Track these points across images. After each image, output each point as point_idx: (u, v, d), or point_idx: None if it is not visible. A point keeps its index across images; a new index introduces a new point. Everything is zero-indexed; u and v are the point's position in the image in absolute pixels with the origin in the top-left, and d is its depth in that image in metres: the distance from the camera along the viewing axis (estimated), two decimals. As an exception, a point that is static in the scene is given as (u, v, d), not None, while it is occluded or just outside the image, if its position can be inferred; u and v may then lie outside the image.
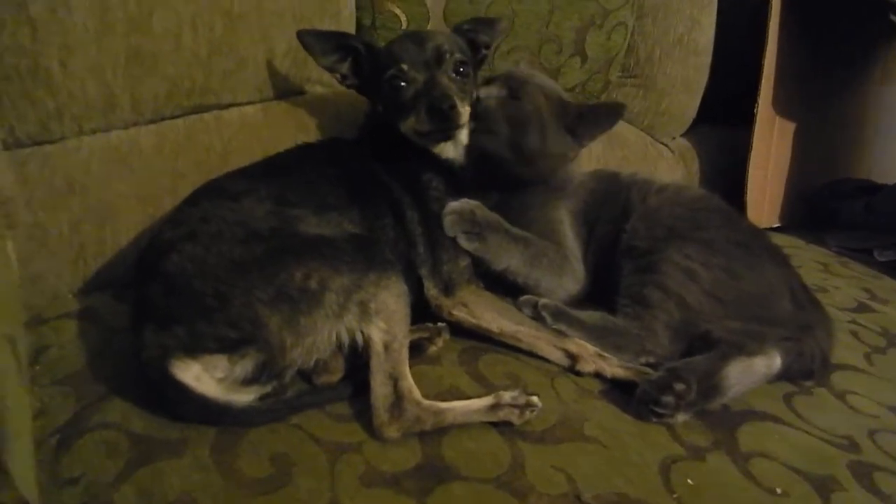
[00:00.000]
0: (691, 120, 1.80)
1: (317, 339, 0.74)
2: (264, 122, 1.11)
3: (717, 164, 1.86)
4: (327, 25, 1.15)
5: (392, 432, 0.73)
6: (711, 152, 1.87)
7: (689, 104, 1.76)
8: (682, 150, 1.82)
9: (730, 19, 1.75)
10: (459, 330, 0.96)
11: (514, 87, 1.08)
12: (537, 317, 0.96)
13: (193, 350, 0.70)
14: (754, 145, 1.70)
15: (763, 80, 1.68)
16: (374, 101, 1.04)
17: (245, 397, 0.73)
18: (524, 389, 0.81)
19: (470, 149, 1.04)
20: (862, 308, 1.32)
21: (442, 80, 0.96)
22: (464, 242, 0.98)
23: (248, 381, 0.72)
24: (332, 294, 0.75)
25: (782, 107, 1.77)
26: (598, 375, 0.91)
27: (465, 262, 0.98)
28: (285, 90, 1.15)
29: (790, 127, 1.84)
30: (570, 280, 1.06)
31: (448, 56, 0.98)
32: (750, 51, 1.70)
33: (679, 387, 0.84)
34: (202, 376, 0.70)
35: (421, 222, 0.98)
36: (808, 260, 1.61)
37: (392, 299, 0.79)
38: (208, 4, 0.99)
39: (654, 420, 0.84)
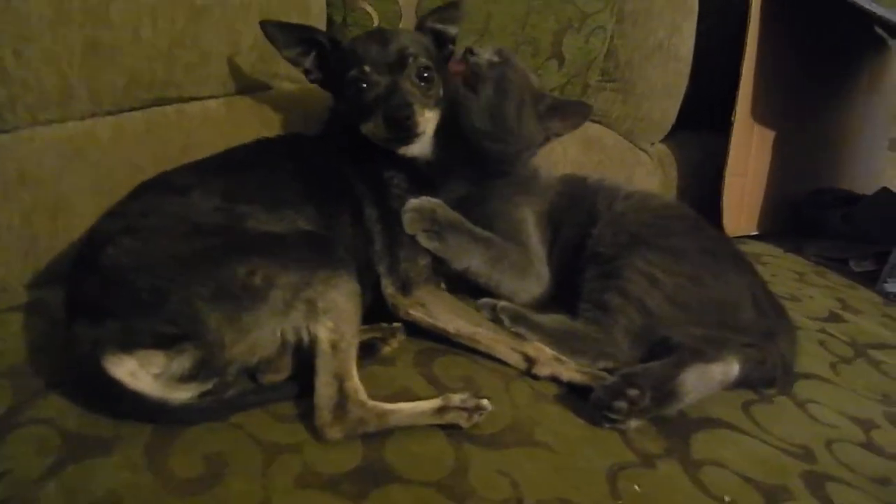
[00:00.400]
0: (671, 125, 1.79)
1: (260, 337, 0.73)
2: (227, 117, 1.10)
3: (696, 170, 1.85)
4: (295, 21, 1.13)
5: (334, 433, 0.72)
6: (691, 158, 1.86)
7: (668, 110, 1.75)
8: (661, 155, 1.82)
9: (712, 24, 1.75)
10: (418, 331, 0.94)
11: (505, 58, 1.08)
12: (496, 319, 0.95)
13: (128, 345, 0.68)
14: (731, 152, 1.69)
15: (741, 87, 1.67)
16: (337, 98, 1.03)
17: (183, 394, 0.71)
18: (475, 392, 0.80)
19: (446, 112, 1.03)
20: (833, 318, 1.32)
21: (403, 85, 0.95)
22: (423, 241, 0.97)
23: (186, 378, 0.70)
24: (277, 291, 0.73)
25: (762, 114, 1.77)
26: (554, 379, 0.90)
27: (424, 260, 0.97)
28: (251, 85, 1.14)
29: (770, 134, 1.84)
30: (533, 282, 1.05)
31: (412, 60, 0.96)
32: (733, 57, 1.70)
33: (632, 392, 0.83)
34: (137, 372, 0.68)
35: (380, 219, 0.96)
36: (784, 269, 1.61)
37: (341, 298, 0.77)
38: (170, -5, 0.98)
39: (607, 425, 0.83)
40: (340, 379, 0.75)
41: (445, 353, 0.93)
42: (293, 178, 0.92)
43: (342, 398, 0.74)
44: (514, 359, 0.92)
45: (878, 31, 2.00)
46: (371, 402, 0.75)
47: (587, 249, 1.06)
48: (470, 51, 1.07)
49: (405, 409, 0.76)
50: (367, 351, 0.88)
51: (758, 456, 0.84)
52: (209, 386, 0.74)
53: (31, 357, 0.80)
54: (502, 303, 0.97)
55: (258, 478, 0.65)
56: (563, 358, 0.91)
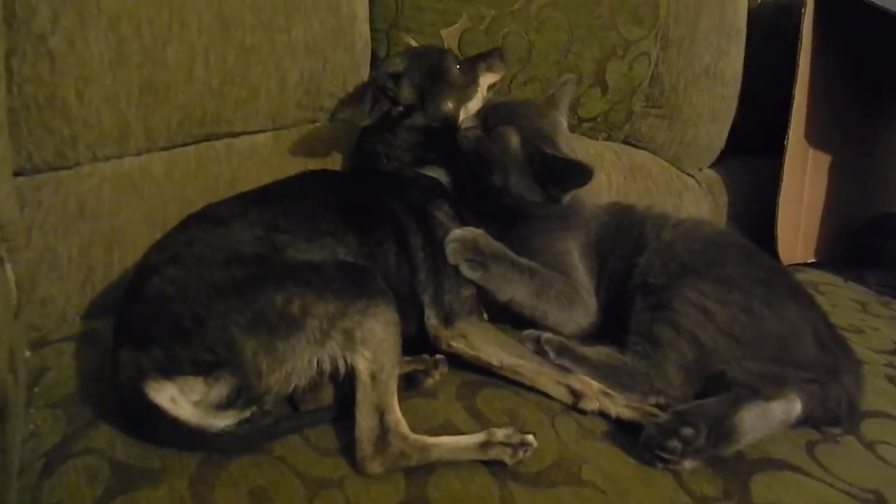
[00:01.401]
0: (719, 151, 1.75)
1: (296, 366, 0.73)
2: (274, 151, 1.12)
3: (748, 196, 1.80)
4: (342, 56, 1.17)
5: (375, 467, 0.71)
6: (742, 184, 1.81)
7: (716, 135, 1.71)
8: (710, 181, 1.77)
9: (761, 46, 1.71)
10: (462, 363, 0.93)
11: (490, 124, 1.05)
12: (540, 351, 0.93)
13: (169, 372, 0.70)
14: (785, 178, 1.63)
15: (794, 111, 1.62)
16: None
17: (222, 422, 0.71)
18: (519, 427, 0.77)
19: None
20: None
21: None
22: (466, 271, 0.96)
23: (224, 406, 0.71)
24: (314, 320, 0.73)
25: (816, 138, 1.71)
26: (601, 414, 0.87)
27: (468, 292, 0.96)
28: (297, 119, 1.17)
29: (825, 159, 1.77)
30: (580, 313, 1.03)
31: None
32: (783, 79, 1.66)
33: (686, 431, 0.79)
34: (177, 398, 0.69)
35: (424, 248, 0.96)
36: (845, 298, 1.53)
37: (379, 328, 0.77)
38: (221, 37, 1.02)
39: (660, 466, 0.79)
40: (381, 411, 0.74)
41: (489, 385, 0.91)
42: (333, 208, 0.93)
43: (383, 431, 0.73)
44: (559, 392, 0.90)
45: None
46: (413, 436, 0.74)
47: (635, 279, 1.03)
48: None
49: (448, 442, 0.75)
50: (410, 383, 0.87)
51: (824, 501, 0.79)
52: (247, 414, 0.74)
53: (84, 387, 0.82)
54: (546, 334, 0.95)
55: (302, 513, 0.64)
56: (612, 392, 0.88)
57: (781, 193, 1.64)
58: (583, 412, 0.87)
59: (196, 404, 0.70)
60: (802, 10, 1.59)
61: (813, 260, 1.77)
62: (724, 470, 0.81)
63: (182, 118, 1.03)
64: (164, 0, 0.96)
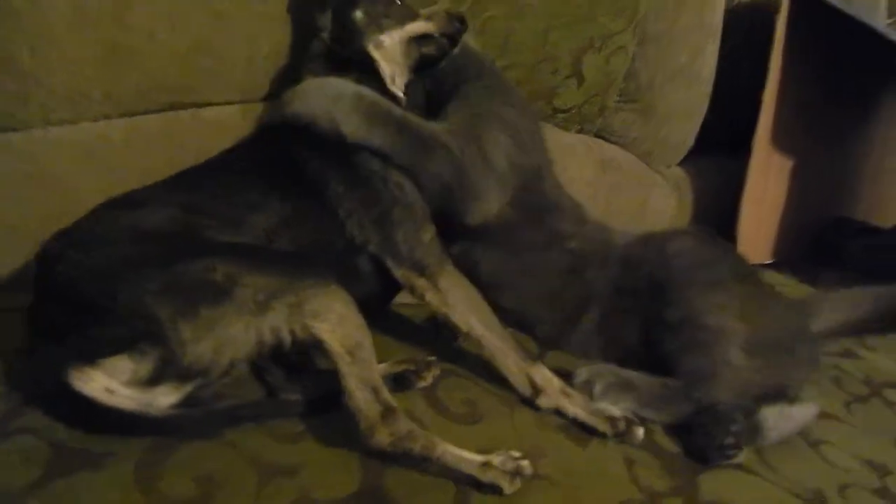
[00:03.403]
0: (689, 148, 1.77)
1: (227, 335, 0.69)
2: (243, 124, 1.08)
3: (713, 194, 1.83)
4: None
5: (383, 437, 0.69)
6: (707, 183, 1.84)
7: (688, 133, 1.73)
8: (678, 179, 1.79)
9: (735, 47, 1.73)
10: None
11: None
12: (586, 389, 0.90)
13: (90, 356, 0.66)
14: (749, 178, 1.67)
15: (762, 113, 1.65)
16: None
17: (163, 400, 0.69)
18: (511, 454, 0.74)
19: None
20: (848, 354, 1.29)
21: None
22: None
23: (154, 381, 0.68)
24: (244, 289, 0.70)
25: (782, 140, 1.74)
26: (557, 412, 0.87)
27: (427, 234, 0.91)
28: (268, 93, 1.13)
29: (789, 161, 1.81)
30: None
31: None
32: (753, 80, 1.67)
33: (735, 427, 0.84)
34: (107, 384, 0.66)
35: (349, 195, 0.89)
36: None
37: (338, 304, 0.74)
38: (191, 1, 0.97)
39: (722, 462, 0.84)
40: (374, 390, 0.72)
41: (451, 374, 0.91)
42: (255, 178, 0.87)
43: (387, 409, 0.71)
44: (520, 381, 0.88)
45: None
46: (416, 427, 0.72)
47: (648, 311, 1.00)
48: None
49: (453, 449, 0.72)
50: (400, 384, 0.85)
51: (769, 500, 0.81)
52: (188, 389, 0.71)
53: (23, 363, 0.78)
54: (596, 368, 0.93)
55: (251, 502, 0.63)
56: (571, 392, 0.88)
57: (745, 193, 1.67)
58: (538, 409, 0.87)
59: (127, 384, 0.67)
60: (776, 15, 1.61)
61: (770, 260, 1.81)
62: (675, 466, 0.83)
63: (145, 85, 0.98)
64: (130, -40, 0.91)
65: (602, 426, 0.84)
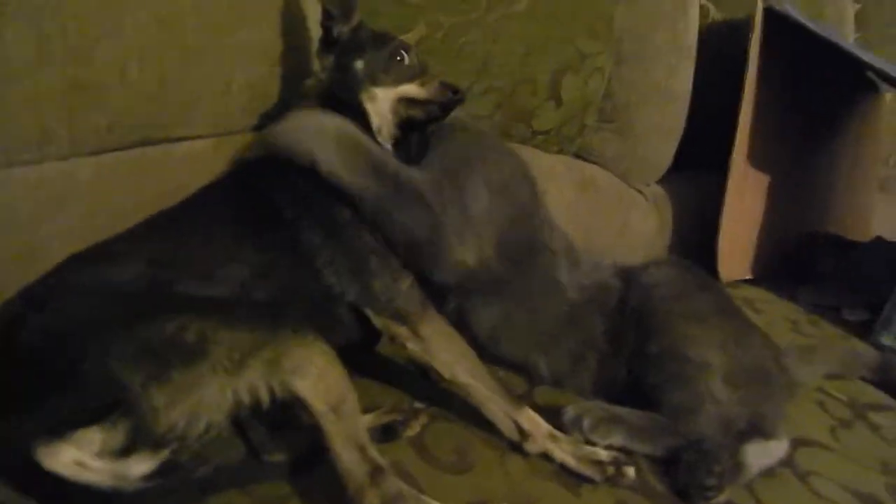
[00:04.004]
0: (668, 166, 1.77)
1: (202, 398, 0.65)
2: (215, 157, 1.04)
3: (692, 212, 1.84)
4: (291, 60, 1.10)
5: (372, 500, 0.66)
6: (687, 200, 1.85)
7: (665, 150, 1.74)
8: (657, 196, 1.80)
9: (709, 65, 1.74)
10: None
11: None
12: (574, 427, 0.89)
13: (58, 430, 0.62)
14: (728, 197, 1.68)
15: (738, 131, 1.66)
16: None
17: (136, 470, 0.64)
18: None
19: None
20: (831, 375, 1.29)
21: None
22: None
23: (126, 451, 0.63)
24: (219, 347, 0.66)
25: (759, 157, 1.76)
26: (545, 457, 0.85)
27: (406, 283, 0.88)
28: (242, 125, 1.09)
29: (765, 178, 1.83)
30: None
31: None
32: (728, 97, 1.69)
33: (717, 468, 0.83)
34: (77, 455, 0.61)
35: (325, 246, 0.87)
36: (779, 317, 1.59)
37: (318, 357, 0.71)
38: (159, 37, 0.93)
39: (703, 502, 0.83)
40: (361, 448, 0.69)
41: (438, 419, 0.89)
42: (228, 223, 0.85)
43: (374, 469, 0.68)
44: (507, 426, 0.86)
45: (870, 76, 2.00)
46: (405, 486, 0.70)
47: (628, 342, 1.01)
48: None
49: None
50: (387, 434, 0.83)
51: (762, 540, 0.81)
52: (164, 455, 0.66)
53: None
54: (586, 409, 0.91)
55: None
56: (559, 435, 0.87)
57: (724, 211, 1.68)
58: (525, 454, 0.85)
59: (99, 455, 0.62)
60: (750, 35, 1.62)
61: (749, 276, 1.82)
62: (668, 506, 0.82)
63: (113, 122, 0.94)
64: (93, -5, 0.87)
65: (590, 472, 0.83)
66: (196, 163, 1.04)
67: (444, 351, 0.87)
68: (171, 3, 0.94)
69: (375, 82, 0.99)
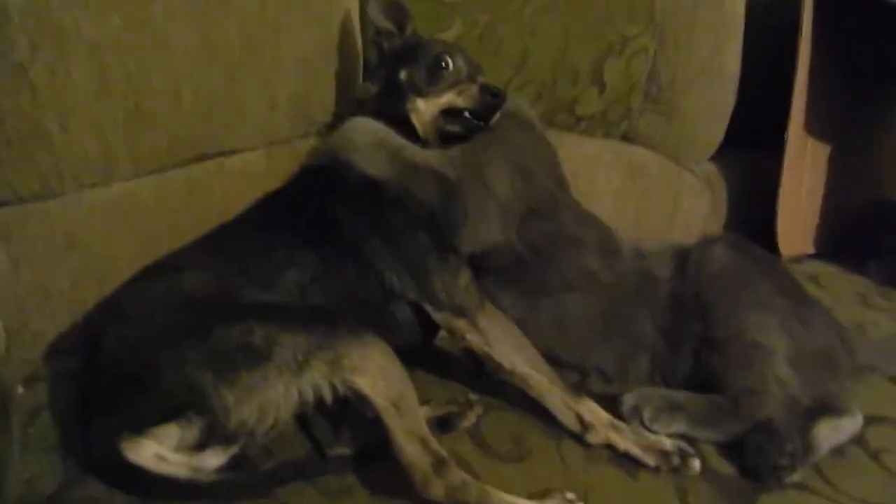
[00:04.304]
0: (718, 145, 1.72)
1: (270, 397, 0.70)
2: (267, 168, 1.10)
3: (745, 189, 1.77)
4: (333, 69, 1.14)
5: (438, 489, 0.70)
6: (740, 178, 1.78)
7: (715, 129, 1.68)
8: (709, 175, 1.74)
9: (759, 38, 1.68)
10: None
11: None
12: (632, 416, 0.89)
13: (139, 427, 0.68)
14: (785, 171, 1.62)
15: (794, 103, 1.60)
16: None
17: (210, 463, 0.70)
18: (566, 496, 0.74)
19: None
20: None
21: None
22: None
23: (201, 447, 0.69)
24: (283, 350, 0.71)
25: (815, 130, 1.69)
26: (608, 447, 0.85)
27: (464, 279, 0.92)
28: (289, 135, 1.14)
29: (825, 150, 1.75)
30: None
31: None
32: (779, 71, 1.63)
33: (789, 447, 0.82)
34: (156, 450, 0.67)
35: (385, 249, 0.90)
36: (846, 291, 1.52)
37: (377, 355, 0.75)
38: (207, 59, 0.99)
39: (776, 481, 0.83)
40: (423, 441, 0.72)
41: (493, 409, 0.90)
42: (290, 231, 0.90)
43: (438, 460, 0.71)
44: (568, 417, 0.87)
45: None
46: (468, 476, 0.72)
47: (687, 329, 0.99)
48: None
49: (508, 497, 0.72)
50: (444, 427, 0.85)
51: (833, 522, 0.79)
52: (235, 450, 0.72)
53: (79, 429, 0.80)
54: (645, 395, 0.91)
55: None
56: (620, 425, 0.86)
57: (782, 186, 1.63)
58: (588, 445, 0.85)
59: (176, 450, 0.68)
60: (802, 3, 1.56)
61: (812, 252, 1.76)
62: (731, 489, 0.81)
63: (170, 143, 1.00)
64: (146, 26, 0.92)
65: (656, 461, 0.82)
66: (248, 175, 1.10)
67: (503, 343, 0.89)
68: (216, 27, 0.99)
69: (419, 93, 1.02)
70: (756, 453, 0.84)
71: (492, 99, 0.98)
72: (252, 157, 1.12)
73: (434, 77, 1.01)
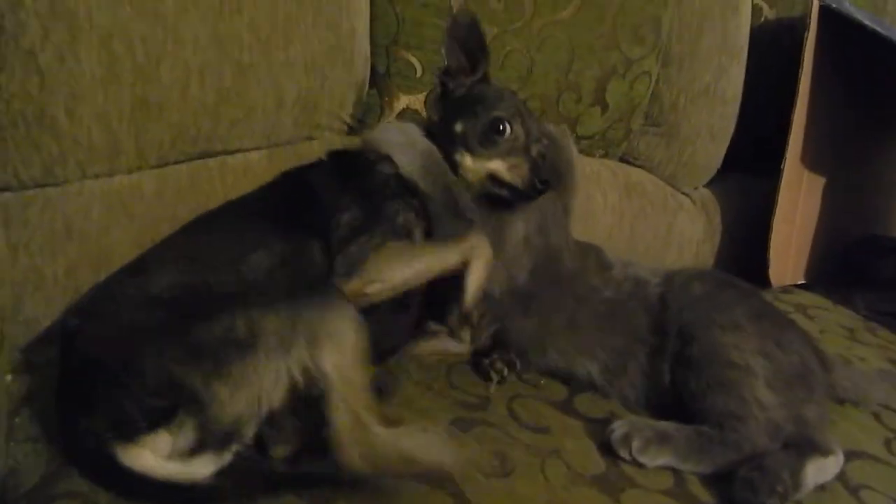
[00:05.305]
0: (716, 170, 1.74)
1: (263, 384, 0.69)
2: (269, 169, 1.10)
3: (741, 215, 1.80)
4: (341, 73, 1.15)
5: (355, 459, 0.69)
6: (735, 203, 1.81)
7: (714, 154, 1.71)
8: (705, 200, 1.77)
9: (761, 65, 1.70)
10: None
11: None
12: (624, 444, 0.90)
13: (128, 434, 0.67)
14: (781, 199, 1.63)
15: (792, 132, 1.62)
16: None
17: (205, 469, 0.69)
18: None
19: None
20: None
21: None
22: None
23: (197, 451, 0.68)
24: (269, 336, 0.70)
25: (812, 159, 1.71)
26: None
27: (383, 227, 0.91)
28: (293, 137, 1.14)
29: (820, 180, 1.78)
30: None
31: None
32: (779, 98, 1.65)
33: (780, 488, 0.83)
34: (151, 459, 0.66)
35: (354, 220, 0.91)
36: (833, 323, 1.54)
37: (343, 323, 0.74)
38: (217, 55, 0.99)
39: None
40: (354, 410, 0.71)
41: (475, 424, 0.91)
42: (256, 218, 0.91)
43: (361, 424, 0.70)
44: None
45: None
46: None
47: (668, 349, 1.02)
48: None
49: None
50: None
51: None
52: (229, 456, 0.71)
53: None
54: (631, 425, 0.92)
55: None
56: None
57: (776, 214, 1.64)
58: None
59: (169, 457, 0.67)
60: (805, 33, 1.58)
61: (802, 281, 1.78)
62: (712, 518, 0.82)
63: (175, 136, 1.00)
64: (159, 18, 0.92)
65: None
66: (250, 173, 1.10)
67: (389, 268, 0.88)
68: (227, 23, 0.99)
69: (469, 150, 1.00)
70: (745, 489, 0.84)
71: (539, 185, 0.98)
72: (255, 157, 1.12)
73: (487, 139, 0.99)
